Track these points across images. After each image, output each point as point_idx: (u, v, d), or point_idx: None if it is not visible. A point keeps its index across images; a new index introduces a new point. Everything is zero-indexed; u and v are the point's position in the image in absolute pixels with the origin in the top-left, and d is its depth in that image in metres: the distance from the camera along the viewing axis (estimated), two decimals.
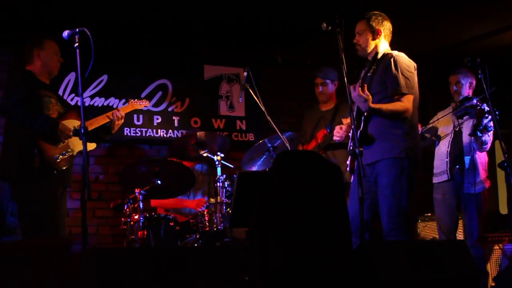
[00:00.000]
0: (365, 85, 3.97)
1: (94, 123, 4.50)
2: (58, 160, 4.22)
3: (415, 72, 4.16)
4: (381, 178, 4.03)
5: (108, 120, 4.61)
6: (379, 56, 4.18)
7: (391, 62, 4.07)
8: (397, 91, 4.03)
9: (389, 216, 3.96)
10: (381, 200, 4.02)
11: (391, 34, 4.29)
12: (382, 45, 4.24)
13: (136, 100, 5.09)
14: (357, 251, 3.18)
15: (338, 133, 4.58)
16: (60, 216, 4.32)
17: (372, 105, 3.95)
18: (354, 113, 4.09)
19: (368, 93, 3.94)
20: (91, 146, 4.41)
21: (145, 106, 5.16)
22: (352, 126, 3.80)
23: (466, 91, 5.12)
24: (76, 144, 4.34)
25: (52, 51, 4.45)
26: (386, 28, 4.24)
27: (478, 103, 4.61)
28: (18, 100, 4.15)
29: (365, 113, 4.04)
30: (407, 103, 4.04)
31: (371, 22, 4.21)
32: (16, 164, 4.21)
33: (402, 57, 4.14)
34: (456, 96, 5.16)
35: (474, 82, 5.20)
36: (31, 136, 4.15)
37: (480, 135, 4.78)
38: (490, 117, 4.55)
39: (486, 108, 4.56)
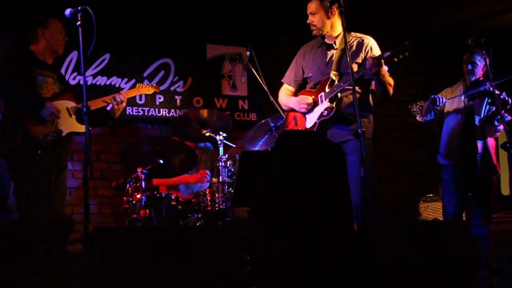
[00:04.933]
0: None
1: (91, 106, 4.24)
2: (43, 140, 4.11)
3: None
4: (350, 156, 4.00)
5: (105, 104, 4.48)
6: (341, 35, 4.18)
7: (369, 43, 4.15)
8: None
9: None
10: (351, 177, 3.99)
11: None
12: (337, 24, 4.23)
13: (144, 84, 4.92)
14: (358, 232, 3.19)
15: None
16: (57, 195, 4.25)
17: (383, 71, 4.00)
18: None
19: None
20: (80, 128, 4.24)
21: (155, 91, 5.00)
22: (355, 104, 3.79)
23: (480, 72, 5.06)
24: (67, 125, 4.24)
25: (56, 30, 4.38)
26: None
27: (491, 89, 4.57)
28: (6, 77, 4.08)
29: (339, 94, 4.10)
30: None
31: (323, 1, 4.15)
32: (3, 142, 4.17)
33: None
34: (468, 75, 5.10)
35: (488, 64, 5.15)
36: (18, 114, 4.08)
37: (497, 124, 4.78)
38: (508, 107, 4.61)
39: (510, 100, 4.66)
